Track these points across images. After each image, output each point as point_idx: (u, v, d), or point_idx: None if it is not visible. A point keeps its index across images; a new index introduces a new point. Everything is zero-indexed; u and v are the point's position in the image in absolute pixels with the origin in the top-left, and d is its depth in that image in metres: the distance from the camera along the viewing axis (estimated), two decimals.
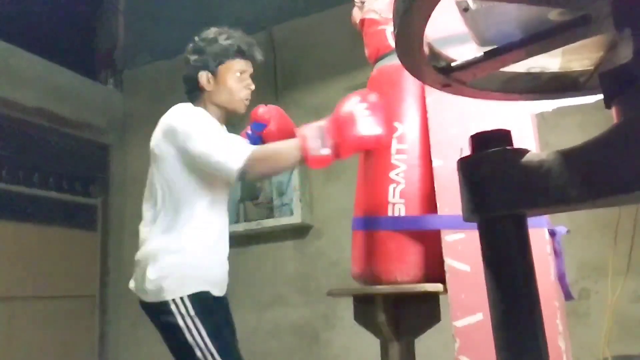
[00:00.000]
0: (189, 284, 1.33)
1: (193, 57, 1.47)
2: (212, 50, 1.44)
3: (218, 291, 1.43)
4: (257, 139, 1.55)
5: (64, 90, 3.33)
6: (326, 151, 1.21)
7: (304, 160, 1.24)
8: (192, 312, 1.31)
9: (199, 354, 1.29)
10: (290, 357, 2.83)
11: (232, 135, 1.47)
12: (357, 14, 1.47)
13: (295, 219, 2.88)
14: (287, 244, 3.00)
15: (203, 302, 1.34)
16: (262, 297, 2.92)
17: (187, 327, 1.30)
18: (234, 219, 2.93)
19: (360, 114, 1.21)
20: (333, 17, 2.84)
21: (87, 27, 3.81)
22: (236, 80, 1.45)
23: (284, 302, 2.92)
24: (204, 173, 1.36)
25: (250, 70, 1.49)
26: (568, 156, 0.43)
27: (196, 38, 1.49)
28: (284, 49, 3.15)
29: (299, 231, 2.96)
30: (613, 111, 0.47)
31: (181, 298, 1.32)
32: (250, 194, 2.99)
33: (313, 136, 1.23)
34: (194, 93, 1.47)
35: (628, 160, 0.40)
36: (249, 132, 1.58)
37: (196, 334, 1.30)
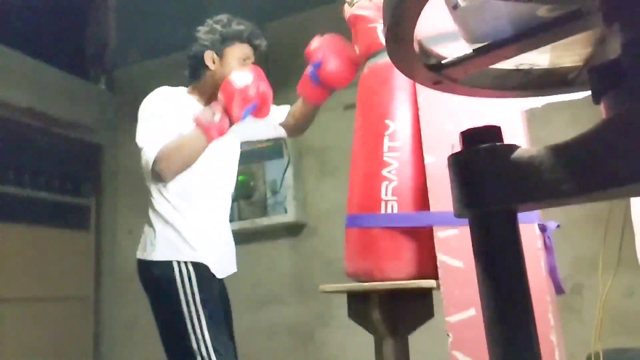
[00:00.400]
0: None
1: (202, 36, 1.52)
2: (222, 32, 1.50)
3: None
4: (316, 78, 1.49)
5: (55, 90, 3.30)
6: (218, 116, 1.33)
7: (205, 135, 1.34)
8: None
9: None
10: (285, 356, 2.83)
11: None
12: (347, 11, 1.47)
13: (289, 217, 2.88)
14: (281, 242, 2.99)
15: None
16: (256, 296, 2.92)
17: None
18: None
19: (238, 78, 1.36)
20: (326, 14, 2.84)
21: (77, 26, 3.77)
22: (239, 64, 1.50)
23: (278, 301, 2.92)
24: None
25: (253, 58, 1.54)
26: (558, 151, 0.43)
27: (209, 20, 1.56)
28: (277, 46, 3.14)
29: (293, 229, 2.96)
30: (602, 106, 0.47)
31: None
32: (243, 192, 2.98)
33: (203, 112, 1.36)
34: (197, 71, 1.53)
35: (617, 155, 0.41)
36: (310, 72, 1.52)
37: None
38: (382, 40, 1.36)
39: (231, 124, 1.38)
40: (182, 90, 1.55)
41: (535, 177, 0.43)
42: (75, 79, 3.51)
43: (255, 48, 1.54)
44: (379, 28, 1.37)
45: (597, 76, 0.48)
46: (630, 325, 2.10)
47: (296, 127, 1.69)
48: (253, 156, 2.77)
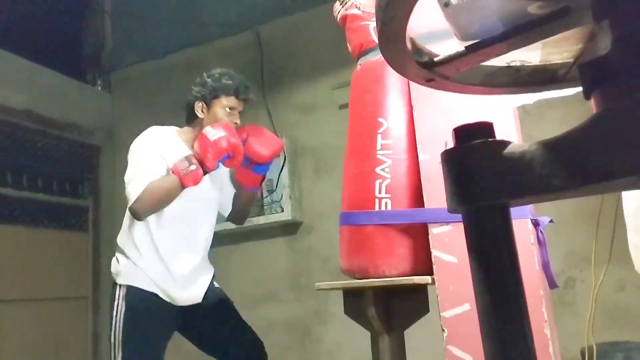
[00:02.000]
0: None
1: (195, 88, 1.68)
2: (211, 85, 1.66)
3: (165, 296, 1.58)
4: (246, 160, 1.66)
5: (52, 92, 3.32)
6: (193, 167, 1.48)
7: (181, 182, 1.48)
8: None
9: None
10: (283, 353, 2.84)
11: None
12: (338, 8, 1.47)
13: (286, 215, 2.88)
14: (278, 240, 3.00)
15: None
16: (254, 294, 2.93)
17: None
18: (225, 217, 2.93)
19: (212, 133, 1.51)
20: (319, 15, 2.84)
21: (74, 29, 3.79)
22: (224, 113, 1.65)
23: (275, 299, 2.93)
24: None
25: (241, 108, 1.69)
26: (549, 146, 0.44)
27: (204, 73, 1.71)
28: (271, 48, 3.15)
29: (290, 228, 2.97)
30: (592, 102, 0.48)
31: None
32: None
33: (180, 162, 1.50)
34: (190, 117, 1.69)
35: (607, 149, 0.41)
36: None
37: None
38: (374, 37, 1.36)
39: (205, 172, 1.51)
40: (171, 131, 1.68)
41: (527, 172, 0.44)
42: (72, 81, 3.52)
43: (242, 100, 1.68)
44: (371, 26, 1.37)
45: (588, 72, 0.48)
46: (623, 318, 2.12)
47: (236, 212, 1.84)
48: None
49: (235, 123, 1.65)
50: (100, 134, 3.64)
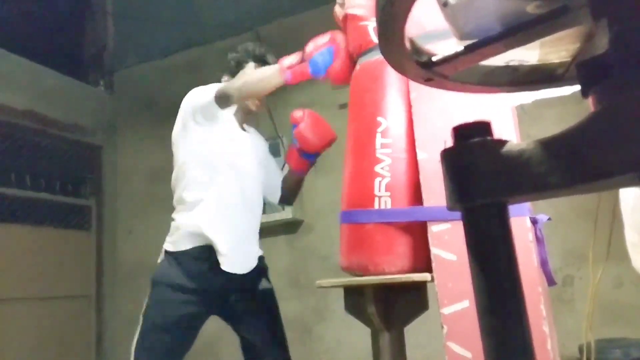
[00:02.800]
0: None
1: (231, 55, 1.74)
2: (240, 53, 1.72)
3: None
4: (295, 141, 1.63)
5: (54, 93, 3.34)
6: (295, 58, 1.47)
7: (281, 73, 1.47)
8: None
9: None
10: None
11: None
12: (338, 11, 1.47)
13: (287, 214, 2.89)
14: (279, 239, 3.01)
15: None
16: None
17: None
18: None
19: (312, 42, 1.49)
20: (318, 16, 2.85)
21: (75, 30, 3.82)
22: None
23: (276, 296, 2.94)
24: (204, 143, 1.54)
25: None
26: (547, 145, 0.44)
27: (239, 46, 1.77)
28: (271, 49, 3.15)
29: (290, 226, 2.98)
30: (590, 100, 0.48)
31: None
32: None
33: (287, 57, 1.51)
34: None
35: (605, 147, 0.41)
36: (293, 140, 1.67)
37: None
38: (374, 37, 1.36)
39: (308, 71, 1.46)
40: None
41: (525, 170, 0.44)
42: (74, 82, 3.54)
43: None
44: (370, 26, 1.37)
45: (585, 71, 0.49)
46: (621, 315, 2.13)
47: (285, 193, 1.86)
48: None
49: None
50: (102, 134, 3.67)
